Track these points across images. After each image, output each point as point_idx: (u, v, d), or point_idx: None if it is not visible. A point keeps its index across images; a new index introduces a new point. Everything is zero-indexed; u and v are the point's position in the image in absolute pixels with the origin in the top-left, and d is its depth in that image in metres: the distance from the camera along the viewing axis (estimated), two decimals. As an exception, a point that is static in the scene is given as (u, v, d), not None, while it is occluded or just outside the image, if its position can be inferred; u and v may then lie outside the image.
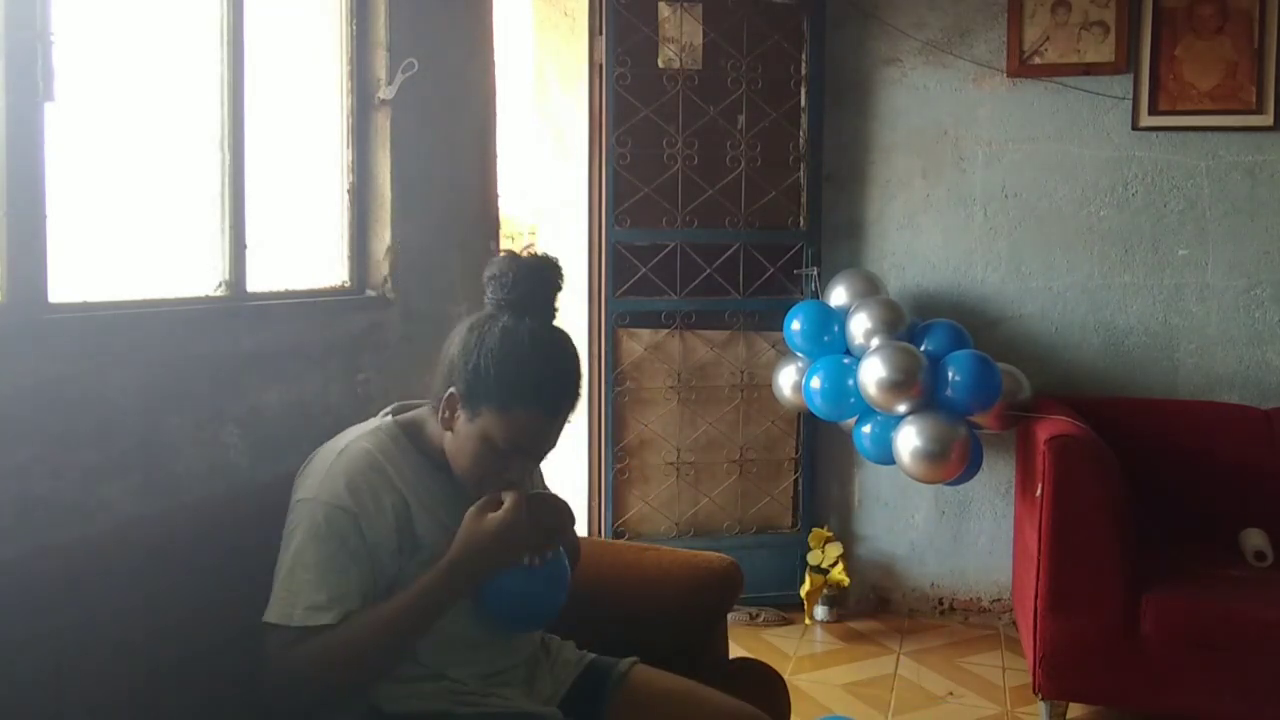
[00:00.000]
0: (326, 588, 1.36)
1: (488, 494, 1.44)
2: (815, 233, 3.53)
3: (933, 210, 3.54)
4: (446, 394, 1.43)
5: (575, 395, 1.44)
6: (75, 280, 1.52)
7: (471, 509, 1.42)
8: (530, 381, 1.39)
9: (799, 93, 3.51)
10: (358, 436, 1.47)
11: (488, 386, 1.39)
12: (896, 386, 2.92)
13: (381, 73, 2.19)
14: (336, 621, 1.35)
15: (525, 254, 1.47)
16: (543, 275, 1.44)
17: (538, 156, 3.69)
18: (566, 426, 1.47)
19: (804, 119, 3.50)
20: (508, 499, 1.41)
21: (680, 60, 3.45)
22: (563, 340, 1.45)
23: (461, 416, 1.42)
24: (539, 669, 1.60)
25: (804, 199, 3.52)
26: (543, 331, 1.43)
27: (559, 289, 1.46)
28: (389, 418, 1.52)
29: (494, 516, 1.40)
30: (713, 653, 1.95)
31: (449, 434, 1.45)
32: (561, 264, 1.47)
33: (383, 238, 2.21)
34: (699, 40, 3.45)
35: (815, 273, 3.49)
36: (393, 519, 1.42)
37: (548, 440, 1.45)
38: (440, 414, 1.45)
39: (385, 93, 2.18)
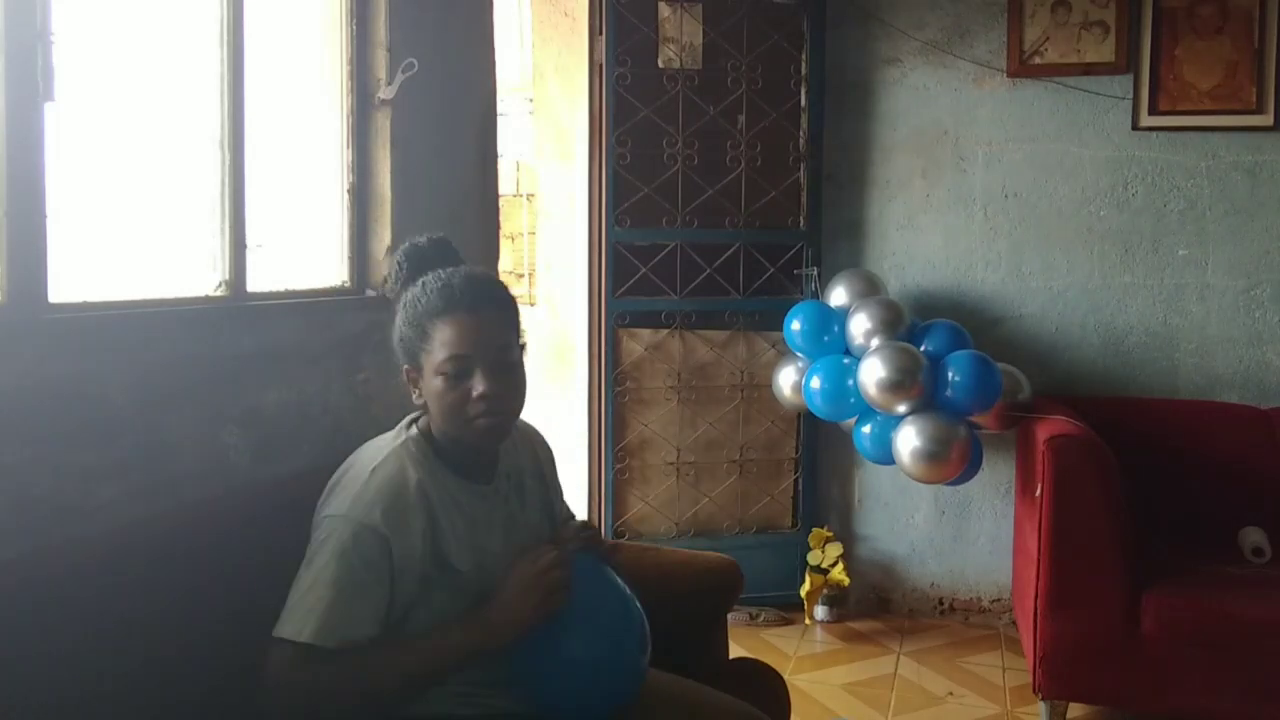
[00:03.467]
0: (342, 610, 1.34)
1: (475, 424, 1.43)
2: (815, 233, 3.53)
3: (933, 210, 3.54)
4: (405, 376, 1.49)
5: (489, 292, 1.47)
6: (75, 280, 1.52)
7: (516, 560, 1.42)
8: (429, 301, 1.45)
9: (799, 93, 3.51)
10: (389, 454, 1.46)
11: (411, 335, 1.46)
12: (896, 386, 2.92)
13: (381, 73, 2.19)
14: (340, 647, 1.33)
15: (408, 243, 1.57)
16: (422, 251, 1.55)
17: (538, 156, 3.69)
18: (517, 337, 1.52)
19: (804, 119, 3.50)
20: (551, 551, 1.42)
21: (680, 60, 3.45)
22: (466, 268, 1.51)
23: (421, 382, 1.47)
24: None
25: (804, 199, 3.52)
26: (434, 273, 1.48)
27: (454, 251, 1.57)
28: (414, 430, 1.51)
29: (534, 560, 1.41)
30: (713, 653, 1.95)
31: (428, 410, 1.49)
32: (446, 238, 1.58)
33: (383, 238, 2.21)
34: (699, 40, 3.45)
35: (815, 273, 3.49)
36: (420, 545, 1.41)
37: (484, 340, 1.43)
38: (414, 398, 1.50)
39: (385, 93, 2.18)
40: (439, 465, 1.48)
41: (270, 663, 1.34)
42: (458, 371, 1.43)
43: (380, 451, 1.47)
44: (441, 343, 1.43)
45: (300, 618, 1.33)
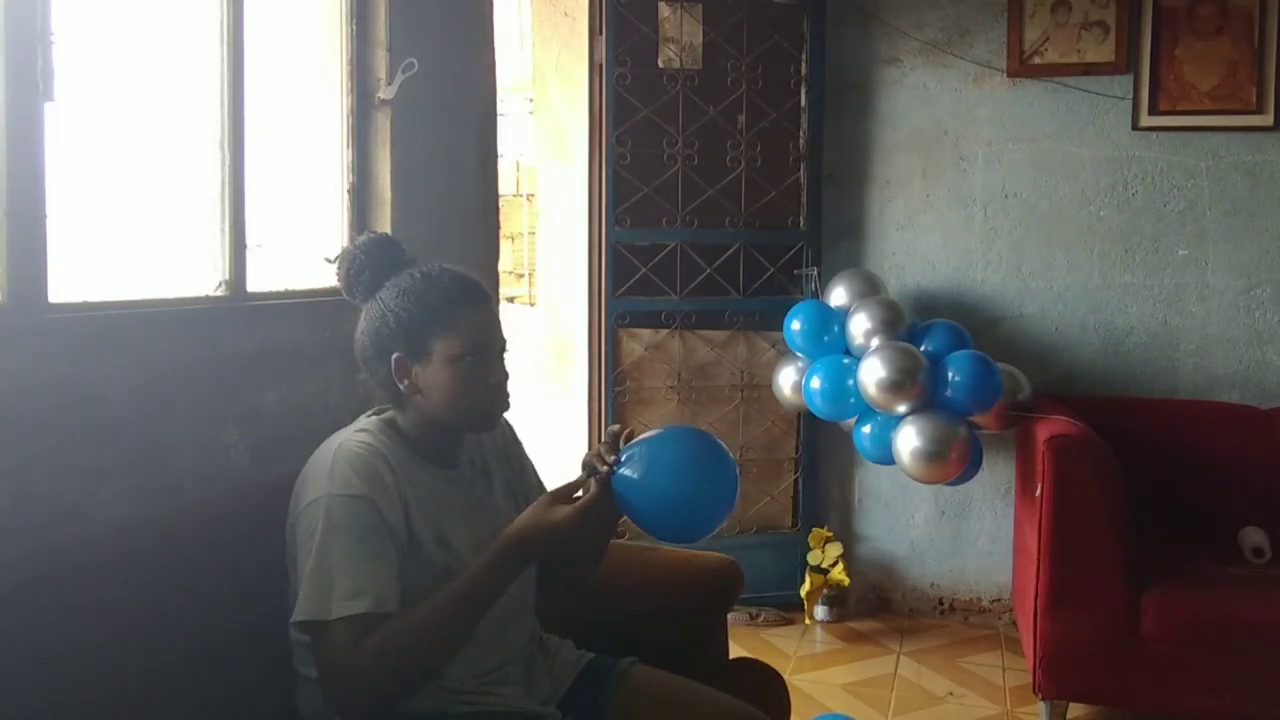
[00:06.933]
0: (360, 575, 1.33)
1: (487, 409, 1.49)
2: (815, 233, 3.53)
3: (933, 210, 3.54)
4: (393, 364, 1.47)
5: (482, 284, 1.53)
6: (75, 280, 1.52)
7: (544, 496, 1.42)
8: (446, 291, 1.47)
9: (799, 93, 3.51)
10: (350, 434, 1.47)
11: (419, 322, 1.45)
12: (896, 386, 2.92)
13: (381, 73, 2.19)
14: (372, 609, 1.32)
15: (354, 242, 1.57)
16: (381, 246, 1.54)
17: (538, 156, 3.69)
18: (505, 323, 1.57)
19: (804, 119, 3.50)
20: (580, 501, 1.40)
21: (680, 60, 3.45)
22: (445, 263, 1.54)
23: (417, 369, 1.47)
24: (537, 669, 1.60)
25: (804, 199, 3.52)
26: (419, 266, 1.51)
27: (402, 250, 1.56)
28: (373, 417, 1.53)
29: (563, 511, 1.38)
30: (713, 653, 1.95)
31: (419, 398, 1.47)
32: (390, 235, 1.60)
33: (382, 238, 2.20)
34: (699, 40, 3.45)
35: (815, 273, 3.49)
36: (400, 509, 1.42)
37: (495, 328, 1.52)
38: (400, 386, 1.47)
39: (385, 93, 2.18)
40: (403, 447, 1.49)
41: (332, 648, 1.32)
42: (479, 359, 1.46)
43: (338, 436, 1.48)
44: (464, 330, 1.45)
45: (319, 597, 1.32)
